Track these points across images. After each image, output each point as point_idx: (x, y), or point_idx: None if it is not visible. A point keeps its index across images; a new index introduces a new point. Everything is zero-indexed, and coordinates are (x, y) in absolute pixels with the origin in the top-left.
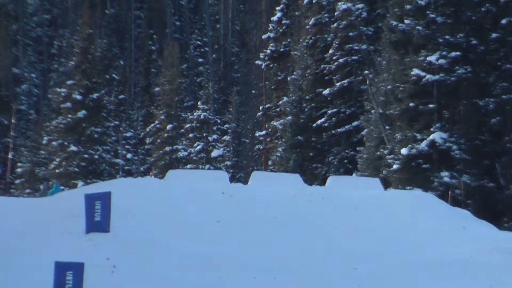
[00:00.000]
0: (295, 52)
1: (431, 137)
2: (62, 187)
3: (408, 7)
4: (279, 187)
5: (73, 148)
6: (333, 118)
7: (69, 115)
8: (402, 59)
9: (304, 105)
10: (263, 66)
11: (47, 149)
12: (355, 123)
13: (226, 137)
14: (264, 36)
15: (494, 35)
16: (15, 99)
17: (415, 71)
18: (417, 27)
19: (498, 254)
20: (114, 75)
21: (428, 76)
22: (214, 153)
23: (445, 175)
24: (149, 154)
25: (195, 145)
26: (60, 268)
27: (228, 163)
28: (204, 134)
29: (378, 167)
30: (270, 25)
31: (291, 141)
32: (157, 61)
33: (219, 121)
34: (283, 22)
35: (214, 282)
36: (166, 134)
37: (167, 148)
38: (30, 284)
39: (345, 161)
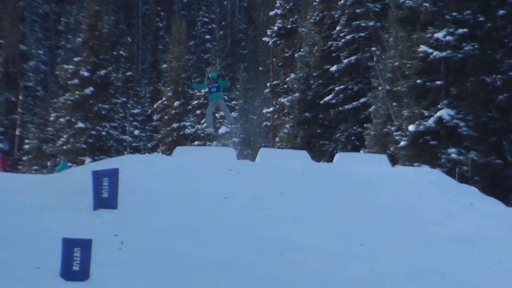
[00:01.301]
0: (303, 29)
1: (439, 113)
2: (69, 164)
3: None
4: (287, 164)
5: (80, 124)
6: (340, 95)
7: (77, 92)
8: (409, 36)
9: (311, 81)
10: (270, 43)
11: (55, 125)
12: (362, 100)
13: (234, 114)
14: (271, 13)
15: (501, 11)
16: (23, 76)
17: (422, 47)
18: (424, 4)
19: (506, 231)
20: (121, 52)
21: (436, 53)
22: (222, 130)
23: (452, 152)
24: (157, 131)
25: (202, 121)
26: (68, 245)
27: (236, 139)
28: None
29: (385, 144)
30: (277, 1)
31: (299, 117)
32: (165, 38)
33: (226, 97)
34: None
35: (222, 258)
36: (173, 111)
37: (175, 125)
38: (38, 261)
39: (353, 137)
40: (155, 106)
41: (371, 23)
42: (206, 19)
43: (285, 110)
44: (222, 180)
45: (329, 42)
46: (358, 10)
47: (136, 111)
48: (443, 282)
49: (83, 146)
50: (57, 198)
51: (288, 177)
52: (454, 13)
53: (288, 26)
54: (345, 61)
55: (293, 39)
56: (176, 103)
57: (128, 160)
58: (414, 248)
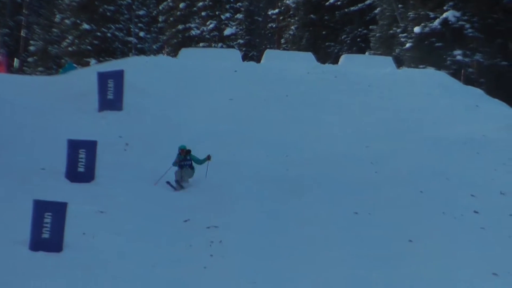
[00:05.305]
0: None
1: (444, 15)
2: (75, 65)
3: None
4: (292, 66)
5: (85, 26)
6: None
7: None
8: None
9: None
10: None
11: (60, 27)
12: (368, 2)
13: (239, 15)
14: None
15: None
16: None
17: None
18: None
19: (511, 132)
20: None
21: None
22: (227, 32)
23: (458, 54)
24: (162, 33)
25: (207, 23)
26: (73, 146)
27: (241, 41)
28: (217, 12)
29: (391, 46)
30: None
31: (304, 19)
32: None
33: None
34: None
35: (227, 160)
36: (178, 12)
37: (180, 27)
38: (43, 162)
39: (358, 39)
40: (160, 7)
41: None
42: None
43: (291, 12)
44: (227, 82)
45: None
46: None
47: (141, 12)
48: (448, 184)
49: (88, 47)
50: (62, 99)
51: (293, 78)
52: None
53: None
54: None
55: None
56: (181, 5)
57: (133, 62)
58: (419, 150)
